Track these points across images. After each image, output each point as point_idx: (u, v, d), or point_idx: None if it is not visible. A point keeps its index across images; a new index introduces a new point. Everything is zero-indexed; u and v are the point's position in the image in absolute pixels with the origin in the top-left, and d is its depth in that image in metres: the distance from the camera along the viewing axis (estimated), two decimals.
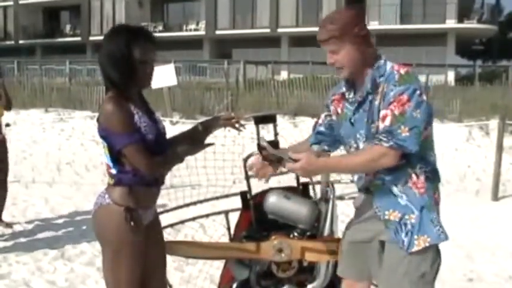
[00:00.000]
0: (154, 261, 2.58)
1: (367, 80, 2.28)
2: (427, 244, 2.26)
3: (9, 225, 5.75)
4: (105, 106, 2.32)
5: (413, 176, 2.27)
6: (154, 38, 2.43)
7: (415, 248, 2.26)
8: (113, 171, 2.40)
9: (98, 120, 2.39)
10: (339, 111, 2.44)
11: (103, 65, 2.38)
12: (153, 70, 2.43)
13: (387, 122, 2.18)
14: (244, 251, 2.85)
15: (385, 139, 2.17)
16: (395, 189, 2.29)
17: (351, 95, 2.37)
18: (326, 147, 2.56)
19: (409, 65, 2.39)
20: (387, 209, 2.30)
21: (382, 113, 2.21)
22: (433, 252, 2.31)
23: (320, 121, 2.57)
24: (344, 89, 2.41)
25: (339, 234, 2.93)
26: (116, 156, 2.37)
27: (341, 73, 2.31)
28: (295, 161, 2.21)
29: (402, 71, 2.22)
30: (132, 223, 2.35)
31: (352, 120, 2.35)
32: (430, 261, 2.30)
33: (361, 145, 2.33)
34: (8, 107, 5.61)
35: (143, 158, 2.32)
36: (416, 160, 2.27)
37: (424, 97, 2.19)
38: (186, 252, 2.99)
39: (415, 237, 2.26)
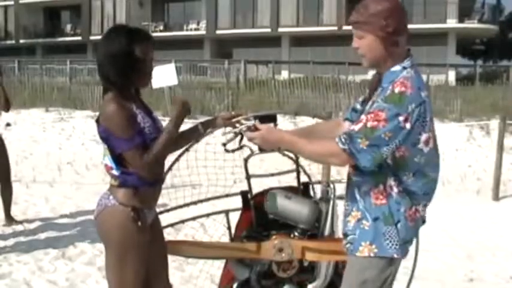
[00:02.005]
0: (157, 261, 2.58)
1: (380, 81, 2.23)
2: (372, 254, 2.22)
3: (18, 222, 5.80)
4: (107, 107, 2.31)
5: (380, 186, 2.22)
6: (153, 38, 2.44)
7: (357, 253, 2.24)
8: (116, 172, 2.39)
9: (97, 121, 2.38)
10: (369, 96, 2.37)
11: (103, 64, 2.36)
12: (152, 69, 2.43)
13: (356, 127, 2.13)
14: (244, 251, 2.85)
15: (343, 140, 2.14)
16: (358, 192, 2.28)
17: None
18: None
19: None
20: (353, 207, 2.29)
21: (361, 117, 2.16)
22: (381, 263, 2.24)
23: (360, 98, 2.48)
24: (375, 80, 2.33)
25: (339, 234, 2.93)
26: (117, 158, 2.36)
27: (363, 61, 2.25)
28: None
29: (397, 90, 2.09)
30: (139, 223, 2.36)
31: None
32: (376, 271, 2.24)
33: None
34: (6, 108, 5.60)
35: (141, 161, 2.31)
36: (388, 174, 2.21)
37: (408, 125, 2.08)
38: (187, 252, 2.99)
39: (362, 243, 2.23)
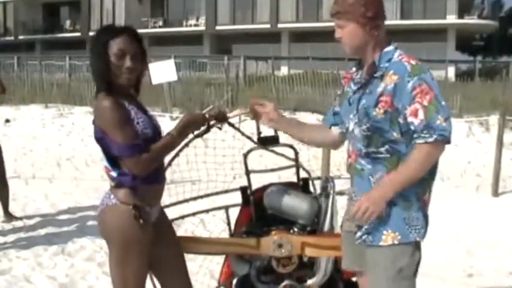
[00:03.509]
0: (168, 259, 2.58)
1: (375, 63, 2.27)
2: (396, 242, 2.23)
3: (18, 218, 5.80)
4: (99, 105, 2.30)
5: (393, 171, 2.22)
6: (139, 34, 2.40)
7: (381, 243, 2.24)
8: (113, 173, 2.38)
9: (93, 122, 2.37)
10: (344, 89, 2.44)
11: (90, 64, 2.39)
12: (135, 65, 2.34)
13: (421, 115, 2.14)
14: (244, 247, 2.85)
15: (427, 135, 2.14)
16: (371, 181, 2.28)
17: (358, 76, 2.37)
18: (344, 129, 2.50)
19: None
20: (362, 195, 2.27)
21: (411, 108, 2.15)
22: (410, 248, 2.26)
23: (336, 102, 2.53)
24: (354, 69, 2.43)
25: (339, 229, 2.93)
26: (113, 159, 2.34)
27: (345, 49, 2.32)
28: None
29: (413, 62, 2.21)
30: (141, 221, 2.35)
31: (351, 100, 2.34)
32: (407, 257, 2.26)
33: (351, 126, 2.32)
34: (2, 92, 5.60)
35: (133, 163, 2.30)
36: (400, 157, 2.22)
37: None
38: (186, 248, 2.98)
39: (384, 232, 2.24)
